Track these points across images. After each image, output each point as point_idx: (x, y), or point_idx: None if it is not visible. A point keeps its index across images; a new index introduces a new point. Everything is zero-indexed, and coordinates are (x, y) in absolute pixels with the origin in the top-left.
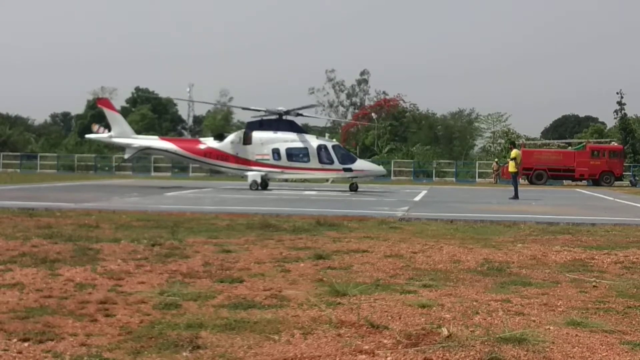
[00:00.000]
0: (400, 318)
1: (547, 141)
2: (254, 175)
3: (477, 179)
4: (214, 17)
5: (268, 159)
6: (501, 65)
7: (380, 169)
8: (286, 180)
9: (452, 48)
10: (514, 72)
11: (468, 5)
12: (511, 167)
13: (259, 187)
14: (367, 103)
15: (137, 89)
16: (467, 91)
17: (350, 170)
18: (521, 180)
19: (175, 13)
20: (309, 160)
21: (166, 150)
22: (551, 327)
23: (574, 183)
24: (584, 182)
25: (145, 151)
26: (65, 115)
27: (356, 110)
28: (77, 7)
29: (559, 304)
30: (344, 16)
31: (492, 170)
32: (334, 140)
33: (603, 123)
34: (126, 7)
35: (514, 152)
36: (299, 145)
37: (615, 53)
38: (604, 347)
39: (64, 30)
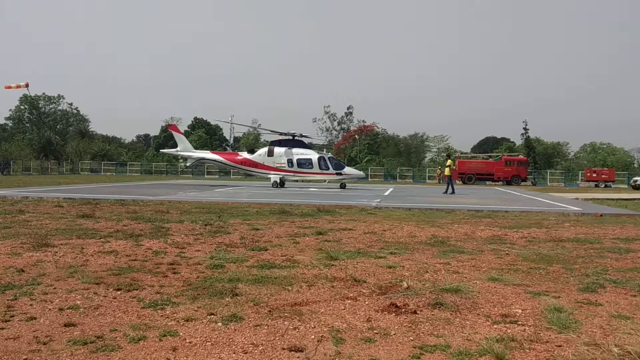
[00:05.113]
0: (374, 275)
1: (475, 154)
2: (274, 177)
3: (427, 180)
4: (255, 64)
5: (284, 166)
6: (446, 100)
7: (361, 173)
8: (296, 180)
9: (413, 90)
10: (454, 104)
11: (419, 58)
12: (446, 172)
13: (278, 186)
14: (352, 128)
15: (195, 118)
16: (421, 119)
17: (340, 174)
18: (457, 181)
19: (222, 62)
20: (312, 167)
21: (215, 160)
22: (477, 282)
23: (493, 183)
24: (501, 183)
25: (201, 161)
26: (146, 136)
27: (344, 133)
28: (156, 55)
29: (482, 266)
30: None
31: (436, 175)
32: (329, 153)
33: (513, 142)
34: (186, 52)
35: (448, 162)
36: (306, 156)
37: (523, 87)
38: (513, 295)
39: (143, 77)
